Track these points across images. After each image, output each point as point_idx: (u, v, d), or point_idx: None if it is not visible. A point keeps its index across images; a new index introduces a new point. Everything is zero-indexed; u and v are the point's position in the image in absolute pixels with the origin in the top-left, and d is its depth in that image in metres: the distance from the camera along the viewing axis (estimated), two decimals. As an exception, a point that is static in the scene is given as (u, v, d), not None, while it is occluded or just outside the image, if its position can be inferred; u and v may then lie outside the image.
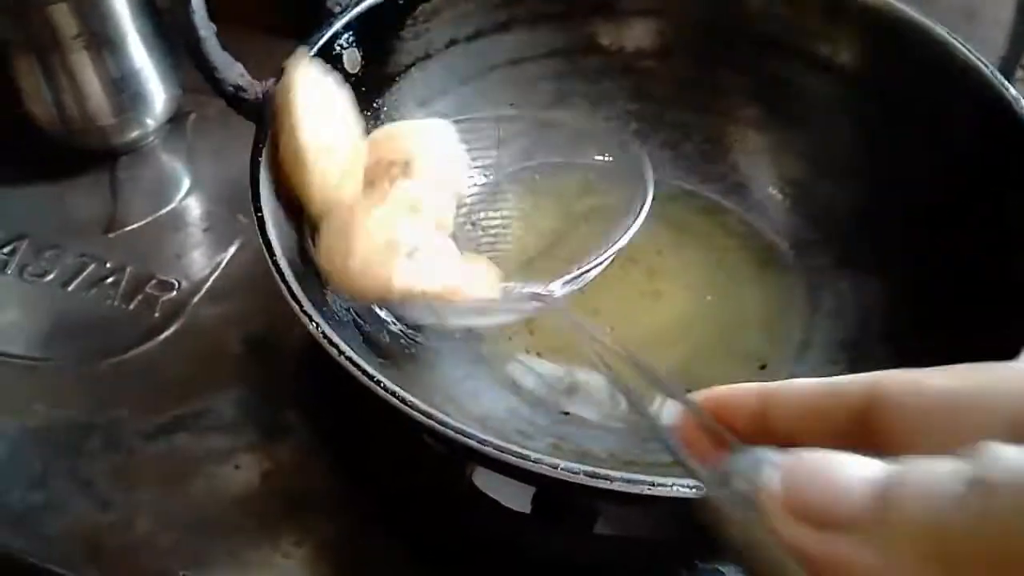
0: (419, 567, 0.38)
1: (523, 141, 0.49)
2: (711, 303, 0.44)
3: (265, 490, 0.40)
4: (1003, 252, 0.35)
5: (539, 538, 0.39)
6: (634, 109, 0.50)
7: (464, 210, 0.47)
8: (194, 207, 0.53)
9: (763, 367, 0.41)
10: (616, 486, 0.25)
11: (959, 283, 0.37)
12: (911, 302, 0.39)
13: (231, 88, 0.37)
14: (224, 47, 0.37)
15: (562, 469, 0.26)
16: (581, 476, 0.26)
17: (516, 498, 0.40)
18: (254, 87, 0.37)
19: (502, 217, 0.47)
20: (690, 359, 0.42)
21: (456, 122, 0.46)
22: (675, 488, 0.25)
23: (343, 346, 0.28)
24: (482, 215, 0.47)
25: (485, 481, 0.41)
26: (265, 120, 0.36)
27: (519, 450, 0.26)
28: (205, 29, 0.35)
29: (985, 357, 0.28)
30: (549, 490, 0.40)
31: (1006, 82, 0.37)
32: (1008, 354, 0.29)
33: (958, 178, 0.39)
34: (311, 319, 0.29)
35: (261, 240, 0.32)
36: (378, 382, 0.28)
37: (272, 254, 0.31)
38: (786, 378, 0.39)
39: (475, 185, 0.48)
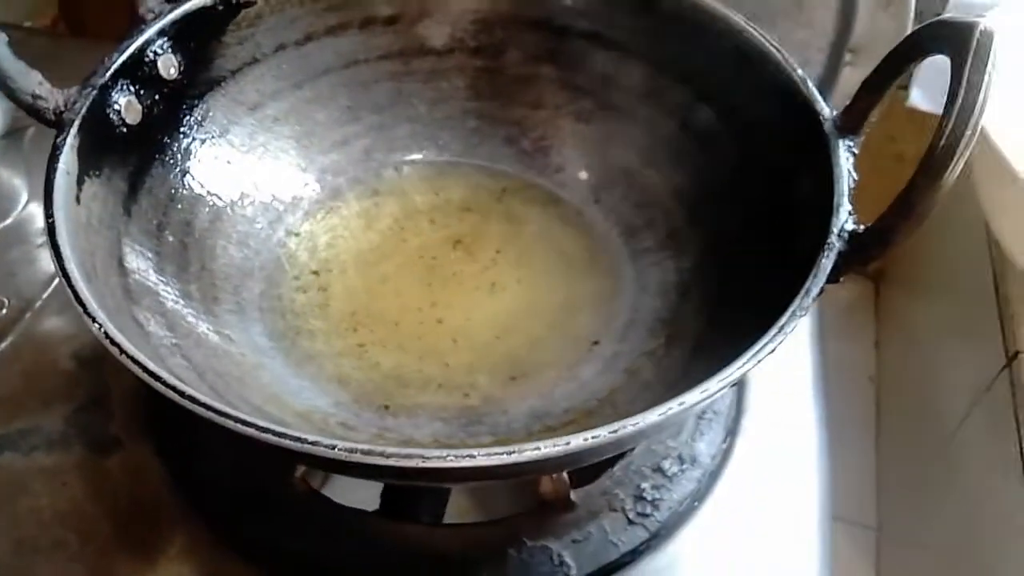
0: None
1: (362, 143, 0.50)
2: (547, 291, 0.45)
3: (95, 507, 0.39)
4: (793, 227, 0.38)
5: (386, 535, 0.39)
6: (472, 107, 0.51)
7: (301, 213, 0.47)
8: (31, 222, 0.52)
9: (596, 343, 0.42)
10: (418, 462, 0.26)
11: (761, 255, 0.39)
12: (723, 275, 0.41)
13: (28, 97, 0.36)
14: (18, 56, 0.36)
15: (362, 453, 0.26)
16: (384, 457, 0.26)
17: (363, 498, 0.41)
18: (54, 95, 0.37)
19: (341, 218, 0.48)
20: (528, 345, 0.43)
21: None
22: (478, 457, 0.26)
23: (126, 345, 0.28)
24: (319, 217, 0.47)
25: (333, 482, 0.41)
26: (65, 127, 0.36)
27: (310, 437, 0.27)
28: (-6, 39, 0.35)
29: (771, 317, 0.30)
30: (392, 487, 0.41)
31: (795, 65, 0.39)
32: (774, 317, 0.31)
33: (761, 159, 0.42)
34: (94, 320, 0.29)
35: (49, 244, 0.31)
36: (167, 384, 0.28)
37: (60, 259, 0.31)
38: (613, 354, 0.41)
39: (317, 188, 0.48)
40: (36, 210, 0.53)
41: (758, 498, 0.41)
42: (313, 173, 0.48)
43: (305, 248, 0.46)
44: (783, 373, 0.46)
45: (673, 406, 0.28)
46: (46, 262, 0.50)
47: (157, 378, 0.28)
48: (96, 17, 0.69)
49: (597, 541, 0.38)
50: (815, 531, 0.41)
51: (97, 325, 0.29)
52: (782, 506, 0.41)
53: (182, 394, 0.27)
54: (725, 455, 0.42)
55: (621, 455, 0.41)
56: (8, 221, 0.52)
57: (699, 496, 0.40)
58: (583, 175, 0.49)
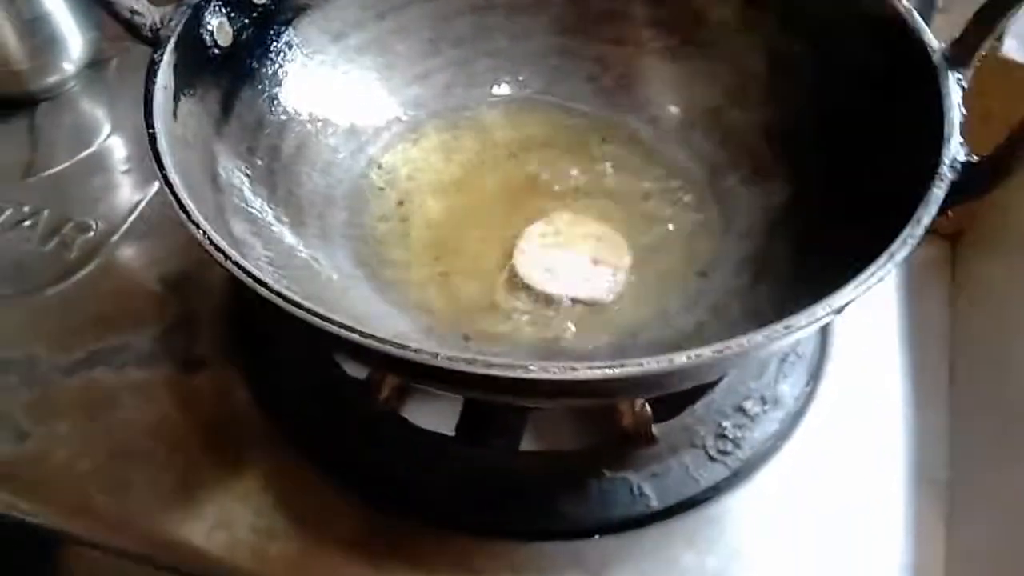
0: (343, 496, 0.38)
1: (443, 76, 0.50)
2: (628, 228, 0.44)
3: (182, 421, 0.40)
4: (894, 163, 0.36)
5: (464, 459, 0.40)
6: (553, 43, 0.50)
7: (382, 144, 0.47)
8: (114, 151, 0.53)
9: (680, 280, 0.42)
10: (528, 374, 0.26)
11: (854, 195, 0.38)
12: (813, 210, 0.40)
13: (126, 12, 0.36)
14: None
15: (478, 363, 0.26)
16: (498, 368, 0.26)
17: (441, 423, 0.41)
18: (151, 11, 0.37)
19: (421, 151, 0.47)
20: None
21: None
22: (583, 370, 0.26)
23: (231, 251, 0.28)
24: (400, 149, 0.47)
25: (409, 408, 0.42)
26: (161, 43, 0.36)
27: (421, 348, 0.27)
28: (97, -48, 0.35)
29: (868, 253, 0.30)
30: (473, 408, 0.41)
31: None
32: (882, 246, 0.30)
33: (860, 94, 0.40)
34: (198, 227, 0.29)
35: (151, 154, 0.32)
36: (269, 287, 0.28)
37: (162, 168, 0.31)
38: (698, 291, 0.41)
39: (397, 120, 0.48)
40: (118, 140, 0.54)
41: (840, 442, 0.40)
42: (395, 105, 0.48)
43: (386, 179, 0.46)
44: (866, 322, 0.45)
45: (779, 328, 0.27)
46: (129, 189, 0.51)
47: (263, 284, 0.28)
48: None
49: (677, 475, 0.38)
50: (897, 483, 0.40)
51: (201, 232, 0.29)
52: (864, 453, 0.40)
53: (288, 300, 0.27)
54: (808, 398, 0.41)
55: (703, 392, 0.40)
56: (92, 149, 0.53)
57: (781, 436, 0.40)
58: (666, 112, 0.48)
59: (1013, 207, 0.68)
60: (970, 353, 0.62)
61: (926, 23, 0.58)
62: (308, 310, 0.27)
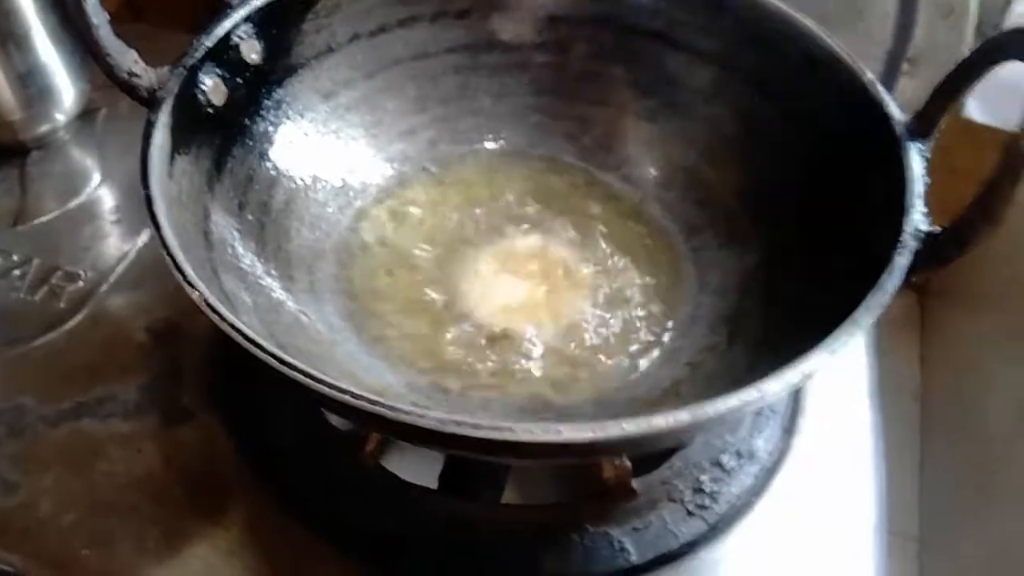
0: (326, 547, 0.38)
1: (428, 133, 0.51)
2: (609, 283, 0.46)
3: (168, 473, 0.41)
4: (861, 230, 0.38)
5: (446, 512, 0.40)
6: (534, 103, 0.52)
7: (370, 199, 0.48)
8: (104, 200, 0.54)
9: (657, 337, 0.43)
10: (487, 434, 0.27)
11: (825, 258, 0.40)
12: (785, 272, 0.41)
13: (125, 74, 0.37)
14: (118, 35, 0.37)
15: (447, 422, 0.27)
16: (467, 428, 0.27)
17: (423, 474, 0.42)
18: (148, 73, 0.38)
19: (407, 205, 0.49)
20: (592, 335, 0.43)
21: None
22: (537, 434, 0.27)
23: (226, 313, 0.29)
24: (387, 204, 0.48)
25: (391, 460, 0.42)
26: (158, 103, 0.37)
27: (407, 408, 0.28)
28: (98, 17, 0.36)
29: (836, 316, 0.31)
30: (455, 462, 0.42)
31: (863, 68, 0.40)
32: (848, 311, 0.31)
33: (829, 161, 0.42)
34: (194, 288, 0.30)
35: (148, 215, 0.33)
36: (263, 348, 0.29)
37: (159, 230, 0.32)
38: (674, 348, 0.42)
39: (384, 175, 0.49)
40: (107, 190, 0.55)
41: (813, 496, 0.42)
42: (382, 160, 0.49)
43: (373, 233, 0.47)
44: (838, 379, 0.47)
45: (752, 393, 0.29)
46: (118, 238, 0.51)
47: (258, 345, 0.29)
48: (157, 5, 0.71)
49: (657, 530, 0.39)
50: (868, 537, 0.41)
51: (197, 293, 0.30)
52: (835, 507, 0.41)
53: (282, 361, 0.28)
54: (782, 453, 0.43)
55: (680, 447, 0.41)
56: (82, 198, 0.54)
57: (756, 491, 0.41)
58: (644, 172, 0.50)
59: (977, 260, 0.70)
60: (940, 407, 0.64)
61: (891, 86, 0.61)
62: (300, 371, 0.28)
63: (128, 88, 0.38)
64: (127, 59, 0.38)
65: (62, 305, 0.47)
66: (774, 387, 0.29)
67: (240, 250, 0.40)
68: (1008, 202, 0.31)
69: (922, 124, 0.38)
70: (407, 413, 0.27)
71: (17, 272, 0.49)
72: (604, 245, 0.47)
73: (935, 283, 0.72)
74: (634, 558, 0.38)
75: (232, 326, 0.29)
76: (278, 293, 0.40)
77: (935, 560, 0.56)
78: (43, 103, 0.54)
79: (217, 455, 0.41)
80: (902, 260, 0.33)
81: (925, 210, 0.34)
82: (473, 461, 0.42)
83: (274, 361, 0.28)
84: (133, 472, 0.40)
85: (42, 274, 0.48)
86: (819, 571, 0.39)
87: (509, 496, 0.42)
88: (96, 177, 0.55)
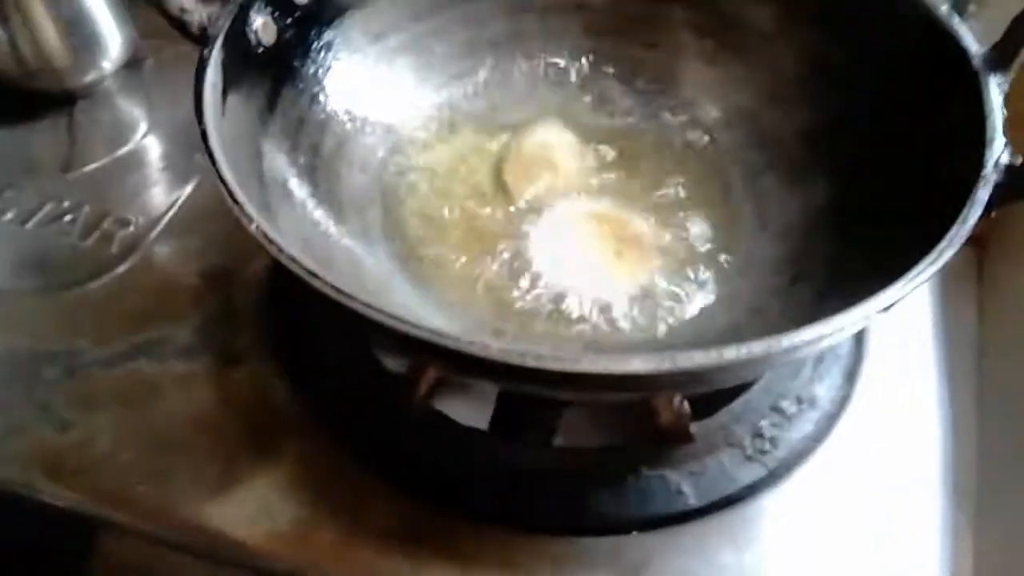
0: (379, 486, 0.38)
1: (479, 77, 0.50)
2: (668, 228, 0.45)
3: (223, 413, 0.41)
4: (933, 166, 0.37)
5: (498, 454, 0.40)
6: (587, 45, 0.51)
7: (419, 144, 0.48)
8: (152, 148, 0.54)
9: (717, 279, 0.42)
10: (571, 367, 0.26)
11: (893, 198, 0.38)
12: (853, 212, 0.40)
13: (176, 10, 0.37)
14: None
15: (512, 353, 0.27)
16: (531, 360, 0.26)
17: (474, 417, 0.41)
18: (199, 9, 0.37)
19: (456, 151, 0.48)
20: (649, 278, 0.43)
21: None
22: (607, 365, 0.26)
23: (282, 243, 0.29)
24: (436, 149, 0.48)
25: (443, 403, 0.42)
26: (210, 40, 0.37)
27: (469, 341, 0.27)
28: (149, -49, 0.36)
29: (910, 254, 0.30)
30: (507, 403, 0.41)
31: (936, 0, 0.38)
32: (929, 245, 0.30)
33: (899, 98, 0.41)
34: (252, 220, 0.29)
35: (205, 150, 0.32)
36: (320, 278, 0.29)
37: (215, 164, 0.32)
38: (735, 291, 0.41)
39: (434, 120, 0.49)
40: (154, 139, 0.55)
41: (874, 446, 0.41)
42: (431, 105, 0.49)
43: (423, 178, 0.46)
44: (900, 327, 0.45)
45: (828, 327, 0.28)
46: (167, 186, 0.51)
47: (315, 275, 0.28)
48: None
49: (715, 474, 0.38)
50: (928, 486, 0.40)
51: (255, 225, 0.30)
52: (899, 458, 0.40)
53: (340, 291, 0.28)
54: (843, 400, 0.41)
55: (739, 391, 0.41)
56: (130, 146, 0.54)
57: (816, 438, 0.40)
58: (703, 114, 0.49)
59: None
60: (999, 360, 0.62)
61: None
62: (361, 301, 0.28)
63: (179, 25, 0.38)
64: (178, -7, 0.37)
65: (114, 250, 0.47)
66: (851, 318, 0.28)
67: (294, 190, 0.39)
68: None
69: (999, 56, 0.36)
70: (471, 344, 0.27)
71: (68, 218, 0.49)
72: (664, 190, 0.46)
73: (995, 236, 0.70)
74: (692, 501, 0.37)
75: (289, 256, 0.29)
76: (332, 233, 0.40)
77: (993, 513, 0.55)
78: (90, 51, 0.54)
79: (271, 396, 0.41)
80: (984, 192, 0.31)
81: (1005, 140, 0.33)
82: (525, 403, 0.41)
83: (332, 290, 0.28)
84: (189, 411, 0.40)
85: (93, 220, 0.49)
86: (879, 519, 0.38)
87: (564, 439, 0.41)
88: (143, 126, 0.55)
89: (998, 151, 0.33)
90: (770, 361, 0.31)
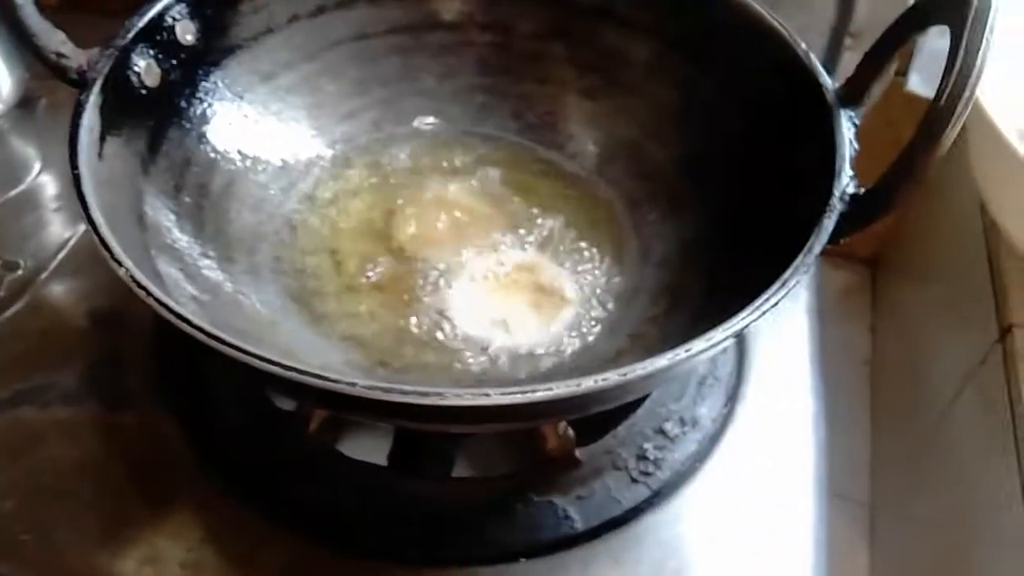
0: (275, 529, 0.38)
1: (371, 114, 0.51)
2: (552, 258, 0.46)
3: (111, 459, 0.40)
4: (795, 195, 0.39)
5: (397, 488, 0.40)
6: (479, 82, 0.52)
7: (312, 181, 0.48)
8: (45, 189, 0.53)
9: (601, 310, 0.44)
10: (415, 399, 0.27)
11: (761, 225, 0.40)
12: (723, 242, 0.42)
13: (53, 55, 0.37)
14: (45, 17, 0.37)
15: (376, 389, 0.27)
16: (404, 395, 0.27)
17: (373, 453, 0.42)
18: (77, 55, 0.38)
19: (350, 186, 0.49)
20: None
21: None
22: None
23: (154, 289, 0.29)
24: (330, 185, 0.48)
25: (343, 441, 0.42)
26: (88, 85, 0.37)
27: (338, 377, 0.27)
28: (22, -1, 0.36)
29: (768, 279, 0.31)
30: (404, 437, 0.42)
31: (797, 38, 0.41)
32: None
33: (764, 131, 0.43)
34: (121, 264, 0.30)
35: (76, 195, 0.32)
36: (195, 325, 0.29)
37: (86, 208, 0.32)
38: (618, 320, 0.42)
39: (327, 157, 0.49)
40: (48, 178, 0.54)
41: (757, 463, 0.42)
42: (324, 142, 0.49)
43: (315, 214, 0.47)
44: (783, 346, 0.47)
45: (680, 352, 0.29)
46: (59, 227, 0.51)
47: (186, 320, 0.29)
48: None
49: (601, 497, 0.39)
50: (811, 500, 0.42)
51: (124, 270, 0.30)
52: (780, 472, 0.42)
53: (211, 335, 0.28)
54: (725, 420, 0.43)
55: (624, 415, 0.42)
56: (22, 187, 0.53)
57: (700, 457, 0.41)
58: (588, 148, 0.50)
59: (925, 235, 0.72)
60: (890, 375, 0.65)
61: (835, 60, 0.62)
62: (225, 343, 0.28)
63: (57, 69, 0.38)
64: (54, 40, 0.37)
65: (1, 294, 0.46)
66: (701, 345, 0.29)
67: (176, 232, 0.39)
68: (927, 161, 0.31)
69: (852, 91, 0.39)
70: (335, 381, 0.27)
71: (-45, 262, 0.48)
72: (548, 222, 0.47)
73: (885, 256, 0.73)
74: (578, 525, 0.38)
75: (159, 301, 0.29)
76: (216, 275, 0.40)
77: (887, 524, 0.57)
78: (-21, 92, 0.53)
79: (160, 439, 0.41)
80: (829, 222, 0.33)
81: (852, 173, 0.35)
82: (421, 438, 0.42)
83: (202, 335, 0.28)
84: (74, 458, 0.40)
85: (-20, 264, 0.48)
86: (763, 534, 0.40)
87: (462, 471, 0.42)
88: (36, 166, 0.54)
89: (845, 182, 0.35)
90: (632, 388, 0.32)
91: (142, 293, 0.29)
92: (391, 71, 0.51)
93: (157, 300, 0.29)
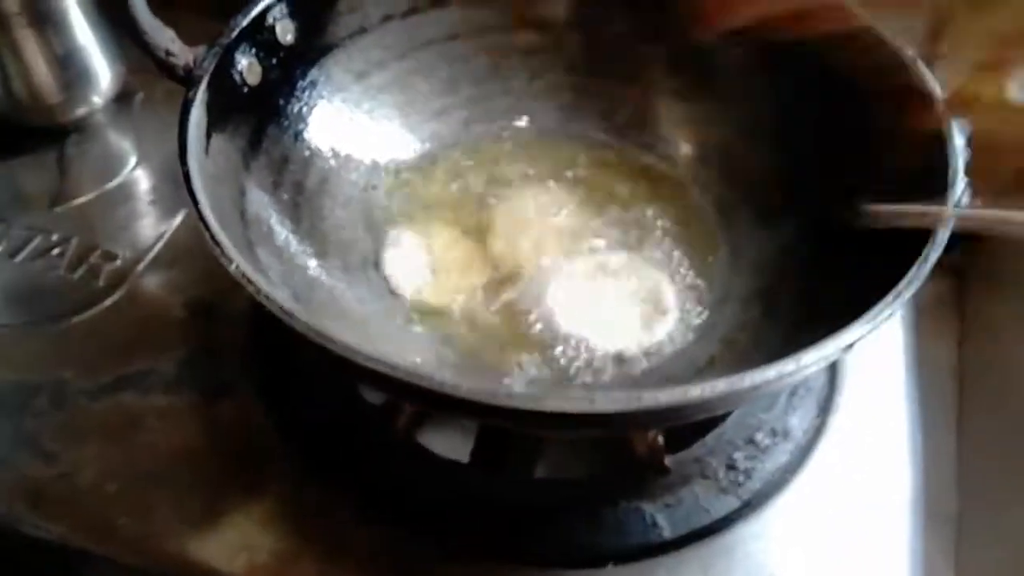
0: (361, 521, 0.39)
1: (461, 113, 0.51)
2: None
3: (207, 446, 0.41)
4: (905, 201, 0.38)
5: (478, 486, 0.41)
6: (568, 81, 0.52)
7: (403, 178, 0.49)
8: (140, 182, 0.55)
9: (692, 313, 0.43)
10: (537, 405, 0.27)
11: (863, 231, 0.39)
12: (823, 248, 0.41)
13: (162, 53, 0.38)
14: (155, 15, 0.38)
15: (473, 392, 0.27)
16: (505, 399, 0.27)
17: (455, 449, 0.42)
18: (185, 52, 0.38)
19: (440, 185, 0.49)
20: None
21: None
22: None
23: (262, 284, 0.30)
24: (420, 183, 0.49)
25: (426, 434, 0.43)
26: (195, 82, 0.38)
27: (441, 378, 0.28)
28: (136, -4, 0.37)
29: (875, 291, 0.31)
30: (487, 436, 0.42)
31: (906, 48, 0.39)
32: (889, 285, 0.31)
33: (869, 136, 0.42)
34: (231, 261, 0.30)
35: (187, 191, 0.33)
36: (296, 317, 0.29)
37: (197, 205, 0.32)
38: (710, 325, 0.42)
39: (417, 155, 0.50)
40: (143, 172, 0.55)
41: (850, 476, 0.41)
42: (414, 140, 0.50)
43: (406, 212, 0.47)
44: (876, 357, 0.46)
45: (789, 364, 0.28)
46: (155, 219, 0.52)
47: (293, 316, 0.29)
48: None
49: (689, 506, 0.39)
50: (906, 516, 0.41)
51: (235, 265, 0.31)
52: (874, 487, 0.41)
53: (319, 333, 0.28)
54: (817, 431, 0.42)
55: (713, 424, 0.41)
56: (119, 180, 0.55)
57: (791, 469, 0.41)
58: (678, 150, 0.50)
59: (1017, 245, 0.69)
60: (978, 389, 0.63)
61: (929, 68, 0.60)
62: (337, 343, 0.28)
63: (165, 67, 0.39)
64: (164, 37, 0.38)
65: (101, 283, 0.48)
66: (811, 358, 0.28)
67: (276, 227, 0.40)
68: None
69: (962, 101, 0.37)
70: (441, 383, 0.27)
71: (56, 251, 0.50)
72: (638, 224, 0.47)
73: (975, 267, 0.71)
74: (666, 533, 0.38)
75: (267, 296, 0.30)
76: (313, 270, 0.41)
77: (972, 539, 0.55)
78: (81, 86, 0.55)
79: (254, 428, 0.42)
80: (944, 232, 0.32)
81: (966, 182, 0.34)
82: (505, 436, 0.42)
83: (308, 329, 0.29)
84: (172, 444, 0.41)
85: (81, 253, 0.49)
86: (854, 549, 0.39)
87: (544, 471, 0.42)
88: (132, 160, 0.56)
89: (959, 192, 0.34)
90: (733, 399, 0.32)
91: (252, 289, 0.30)
92: (481, 70, 0.51)
93: (267, 296, 0.30)
